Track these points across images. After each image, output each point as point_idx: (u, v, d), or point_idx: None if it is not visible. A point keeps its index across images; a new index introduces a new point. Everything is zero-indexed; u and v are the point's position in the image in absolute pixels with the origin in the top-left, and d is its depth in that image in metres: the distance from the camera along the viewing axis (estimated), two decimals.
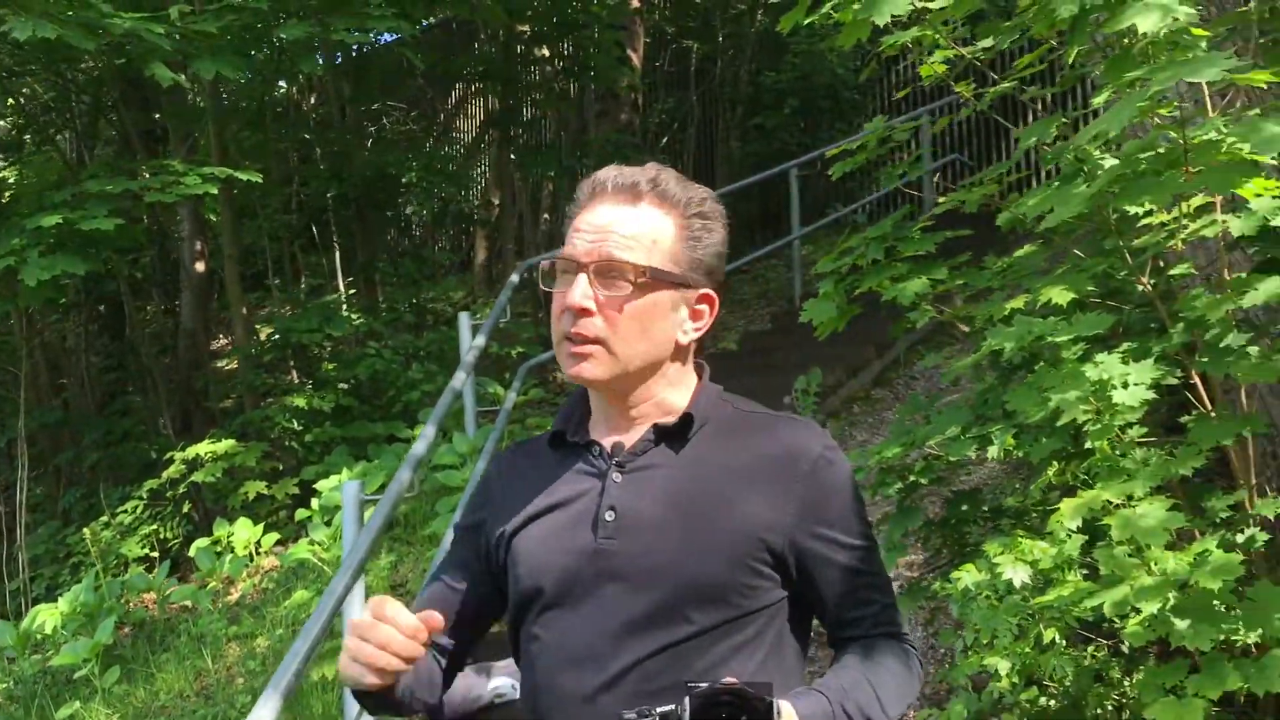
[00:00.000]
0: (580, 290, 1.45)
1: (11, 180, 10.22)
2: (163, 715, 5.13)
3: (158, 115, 9.75)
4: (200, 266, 9.77)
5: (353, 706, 4.17)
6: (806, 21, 3.66)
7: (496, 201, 12.41)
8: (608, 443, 1.53)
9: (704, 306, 1.54)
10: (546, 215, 12.17)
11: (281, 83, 10.16)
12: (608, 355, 1.47)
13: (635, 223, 1.48)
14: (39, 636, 6.13)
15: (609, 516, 1.47)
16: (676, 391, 1.54)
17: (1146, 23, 2.61)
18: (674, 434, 1.51)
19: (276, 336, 8.63)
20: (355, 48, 8.65)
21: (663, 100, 13.48)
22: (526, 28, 10.08)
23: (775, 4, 12.31)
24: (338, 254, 11.20)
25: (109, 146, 10.89)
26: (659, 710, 1.34)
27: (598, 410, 1.57)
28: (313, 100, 12.38)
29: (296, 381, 8.55)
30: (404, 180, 9.93)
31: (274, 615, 5.74)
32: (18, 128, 10.40)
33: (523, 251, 10.55)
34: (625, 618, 1.43)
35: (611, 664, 1.43)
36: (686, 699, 1.29)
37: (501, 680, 4.45)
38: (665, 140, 13.37)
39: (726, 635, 1.44)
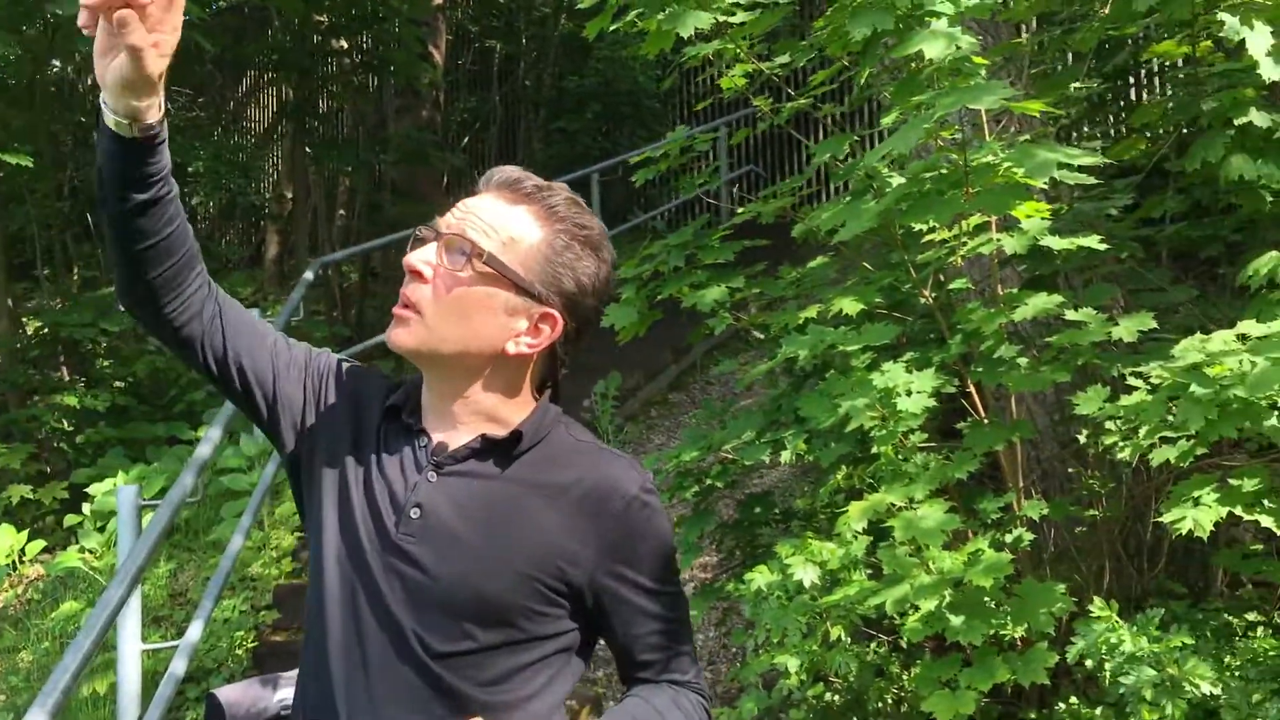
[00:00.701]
0: (422, 255, 1.43)
1: None
2: None
3: None
4: None
5: (127, 718, 3.95)
6: (612, 29, 3.71)
7: (290, 195, 12.02)
8: (435, 438, 1.49)
9: (545, 326, 1.48)
10: (342, 211, 11.88)
11: (55, 62, 9.53)
12: (421, 325, 1.44)
13: (503, 216, 1.46)
14: None
15: (414, 514, 1.44)
16: (508, 405, 1.51)
17: (933, 50, 2.75)
18: (500, 448, 1.48)
19: (45, 330, 8.09)
20: None
21: (465, 99, 13.36)
22: (324, 18, 9.80)
23: (581, 9, 12.37)
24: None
25: None
26: None
27: (427, 401, 1.52)
28: (90, 81, 11.68)
29: (67, 379, 8.03)
30: (189, 169, 9.45)
31: (39, 628, 5.38)
32: None
33: (317, 248, 10.25)
34: (407, 618, 1.41)
35: (384, 659, 1.41)
36: None
37: (288, 692, 4.30)
38: (467, 140, 13.26)
39: (509, 655, 1.42)
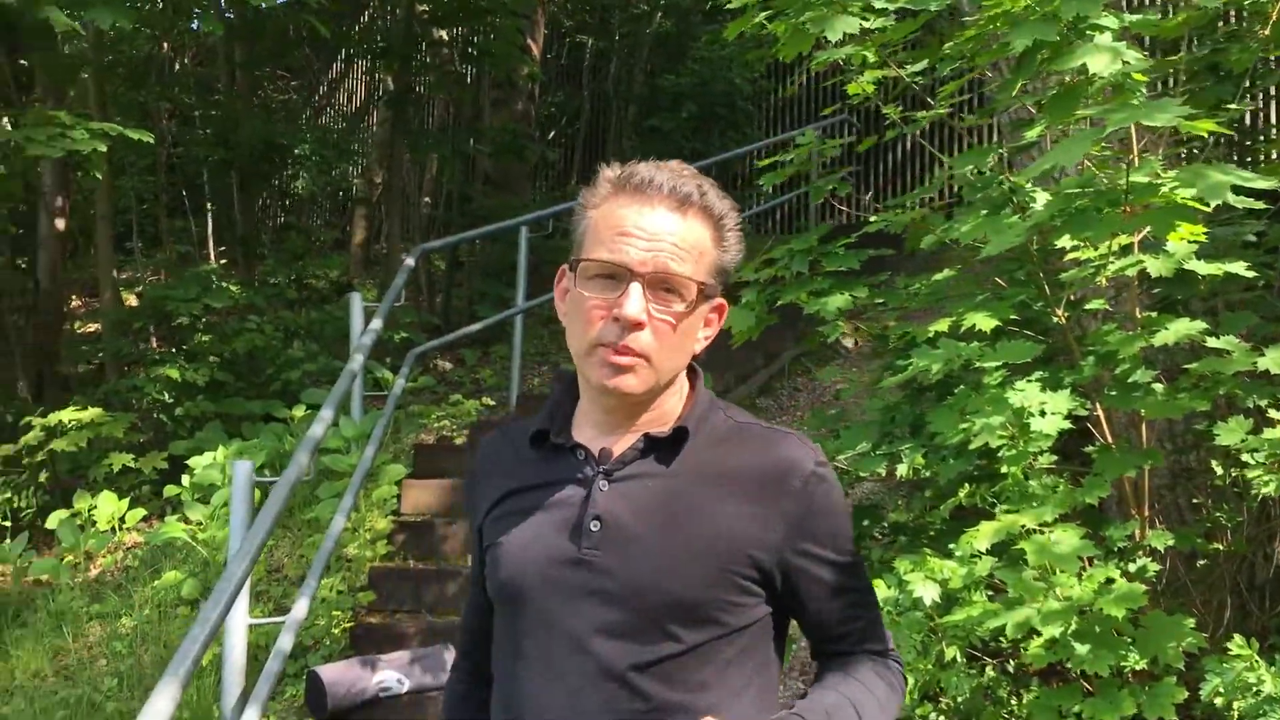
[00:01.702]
0: (637, 302, 1.39)
1: None
2: (19, 695, 4.84)
3: (24, 62, 9.21)
4: (61, 224, 9.26)
5: (232, 690, 4.01)
6: (714, 28, 3.69)
7: (379, 181, 12.13)
8: (594, 447, 1.48)
9: (715, 315, 1.51)
10: (428, 199, 11.95)
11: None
12: (649, 370, 1.42)
13: (686, 233, 1.43)
14: None
15: (594, 526, 1.42)
16: (671, 398, 1.50)
17: (1097, 64, 2.69)
18: (664, 445, 1.46)
19: (146, 303, 8.24)
20: (248, 11, 8.32)
21: (553, 93, 13.40)
22: (426, 7, 9.87)
23: (677, 7, 12.36)
24: (210, 221, 10.78)
25: None
26: None
27: (590, 412, 1.51)
28: (186, 60, 11.89)
29: (159, 350, 8.17)
30: (296, 152, 9.58)
31: (141, 595, 5.48)
32: None
33: (411, 234, 10.32)
34: (608, 632, 1.39)
35: (589, 677, 1.39)
36: None
37: (387, 674, 4.35)
38: (553, 134, 13.30)
39: (715, 653, 1.41)
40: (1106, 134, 2.51)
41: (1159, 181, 2.65)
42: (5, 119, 8.06)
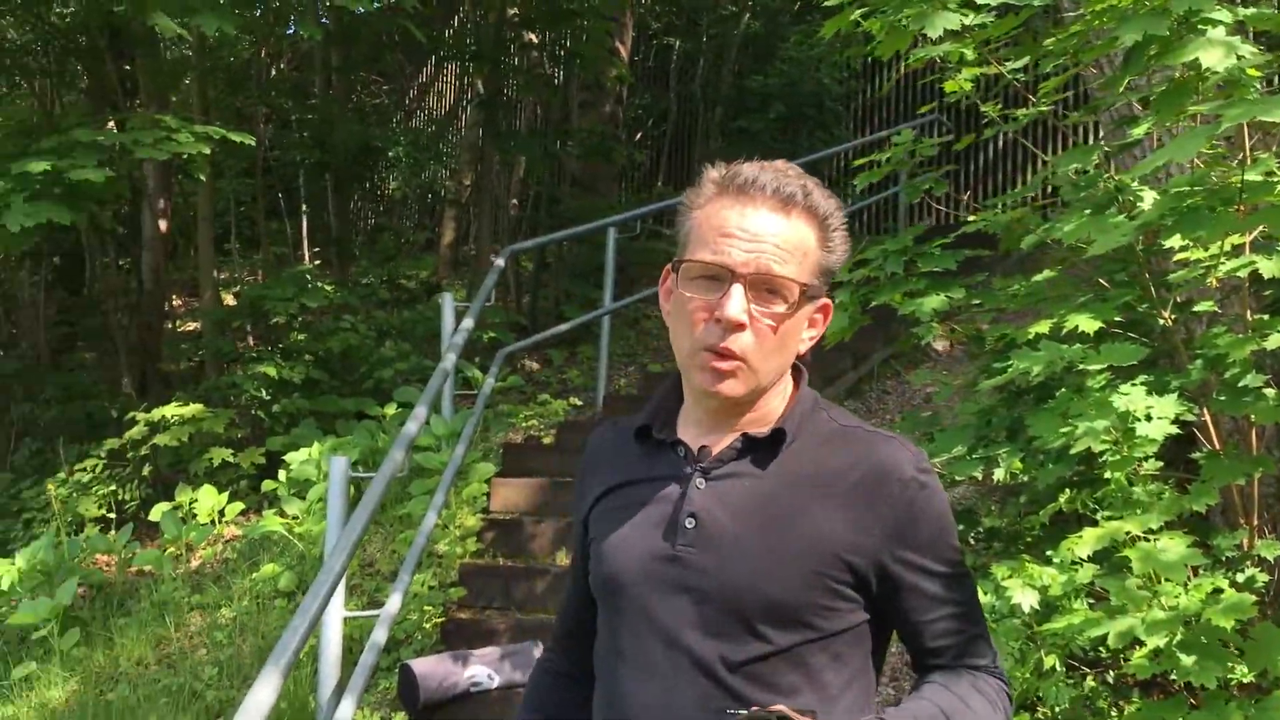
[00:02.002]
0: (738, 304, 1.38)
1: None
2: (124, 682, 5.00)
3: (130, 68, 9.51)
4: (163, 225, 9.55)
5: (328, 682, 4.09)
6: (803, 28, 3.65)
7: (468, 183, 12.28)
8: (694, 445, 1.48)
9: (820, 315, 1.49)
10: (515, 201, 12.06)
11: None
12: (749, 373, 1.41)
13: (790, 234, 1.41)
14: None
15: (689, 524, 1.42)
16: (774, 397, 1.49)
17: (1211, 59, 2.61)
18: (763, 445, 1.45)
19: (245, 302, 8.45)
20: (344, 16, 8.49)
21: (640, 95, 13.44)
22: (515, 11, 9.97)
23: (766, 8, 12.31)
24: (304, 222, 11.01)
25: (78, 95, 10.59)
26: None
27: (693, 411, 1.51)
28: (283, 65, 12.16)
29: (256, 349, 8.37)
30: (389, 154, 9.74)
31: (240, 587, 5.62)
32: None
33: (499, 236, 10.44)
34: (700, 629, 1.39)
35: (681, 672, 1.39)
36: None
37: (478, 669, 4.39)
38: (640, 135, 13.33)
39: (808, 656, 1.39)
40: (1221, 130, 2.43)
41: (1274, 179, 2.57)
42: (112, 123, 8.33)
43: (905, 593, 1.44)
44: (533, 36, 10.67)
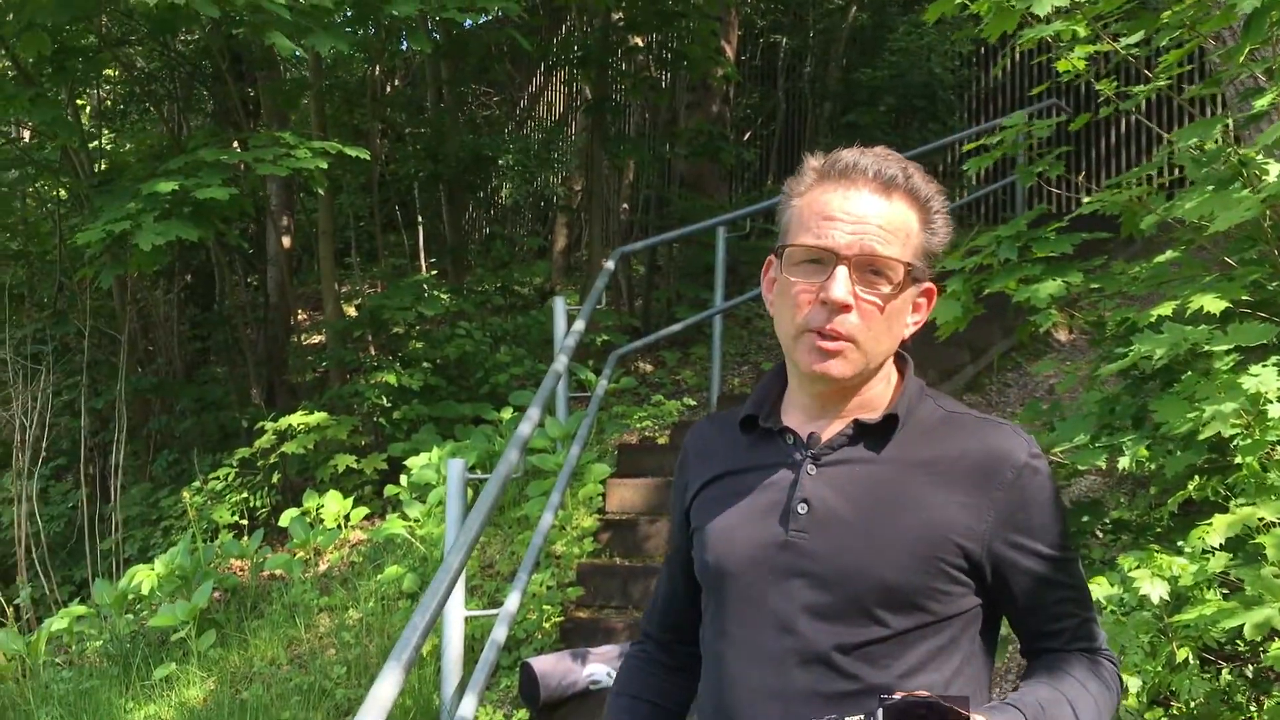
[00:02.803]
0: (843, 285, 1.39)
1: (109, 148, 10.38)
2: (258, 681, 5.18)
3: (251, 90, 9.87)
4: (286, 242, 9.88)
5: (451, 679, 4.17)
6: (934, 19, 3.59)
7: (578, 189, 12.40)
8: (803, 431, 1.48)
9: (923, 300, 1.50)
10: (625, 204, 12.13)
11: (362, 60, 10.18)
12: (857, 353, 1.42)
13: (892, 216, 1.42)
14: (133, 596, 6.23)
15: (801, 509, 1.43)
16: (879, 384, 1.50)
17: None
18: (874, 431, 1.46)
19: (365, 313, 8.69)
20: (454, 29, 8.66)
21: (748, 94, 13.39)
22: (620, 15, 10.04)
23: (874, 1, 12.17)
24: (420, 234, 11.25)
25: (204, 118, 11.03)
26: (849, 719, 1.30)
27: (799, 396, 1.51)
28: (396, 81, 12.45)
29: (377, 357, 8.60)
30: (500, 163, 9.89)
31: (365, 589, 5.77)
32: (119, 97, 10.56)
33: (609, 240, 10.51)
34: (814, 614, 1.40)
35: (795, 657, 1.40)
36: (880, 710, 1.25)
37: (597, 667, 4.43)
38: (749, 135, 13.29)
39: (921, 639, 1.40)
40: None
41: None
42: (235, 143, 8.66)
43: (1017, 576, 1.44)
44: (638, 40, 10.73)
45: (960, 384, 7.63)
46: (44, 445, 7.47)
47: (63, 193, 9.96)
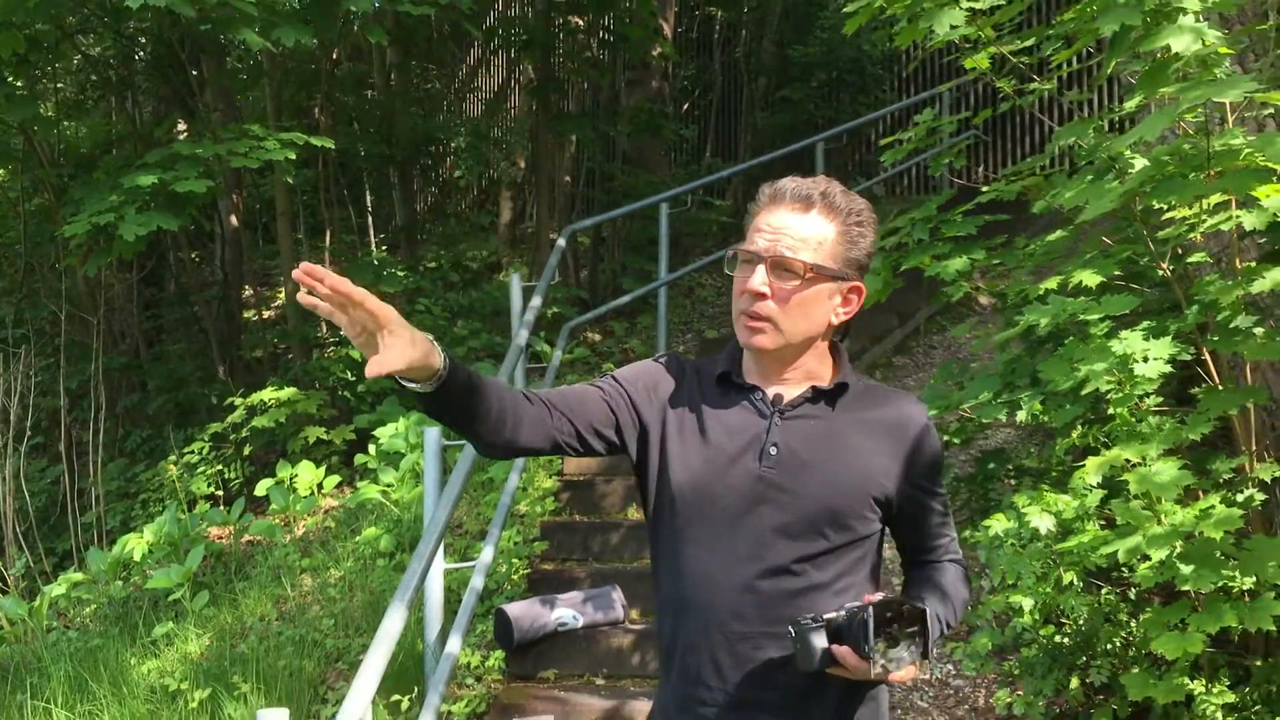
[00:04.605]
0: (758, 279, 1.87)
1: (68, 134, 10.54)
2: (251, 634, 5.60)
3: (195, 73, 10.06)
4: (233, 220, 10.18)
5: (433, 625, 4.62)
6: (852, 31, 4.04)
7: (522, 164, 12.74)
8: (769, 392, 1.94)
9: (853, 295, 1.95)
10: (568, 179, 12.47)
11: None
12: (775, 331, 1.89)
13: (805, 227, 1.88)
14: (125, 563, 6.61)
15: (773, 451, 1.89)
16: (819, 360, 1.97)
17: (1179, 44, 3.01)
18: (829, 395, 1.94)
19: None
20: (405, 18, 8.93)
21: (685, 67, 13.75)
22: None
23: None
24: (368, 210, 11.53)
25: (156, 102, 11.18)
26: (848, 606, 1.76)
27: (753, 364, 1.98)
28: (342, 59, 12.62)
29: (337, 333, 8.93)
30: (452, 145, 10.19)
31: (344, 549, 6.21)
32: (79, 86, 10.70)
33: (555, 213, 10.87)
34: (779, 530, 1.87)
35: (766, 562, 1.86)
36: (870, 606, 1.71)
37: (564, 611, 4.92)
38: (686, 106, 13.66)
39: (848, 551, 1.90)
40: (1182, 110, 2.84)
41: (1237, 148, 2.96)
42: (183, 129, 8.89)
43: (914, 508, 1.98)
44: (579, 20, 11.06)
45: (890, 346, 8.18)
46: (27, 425, 7.77)
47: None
